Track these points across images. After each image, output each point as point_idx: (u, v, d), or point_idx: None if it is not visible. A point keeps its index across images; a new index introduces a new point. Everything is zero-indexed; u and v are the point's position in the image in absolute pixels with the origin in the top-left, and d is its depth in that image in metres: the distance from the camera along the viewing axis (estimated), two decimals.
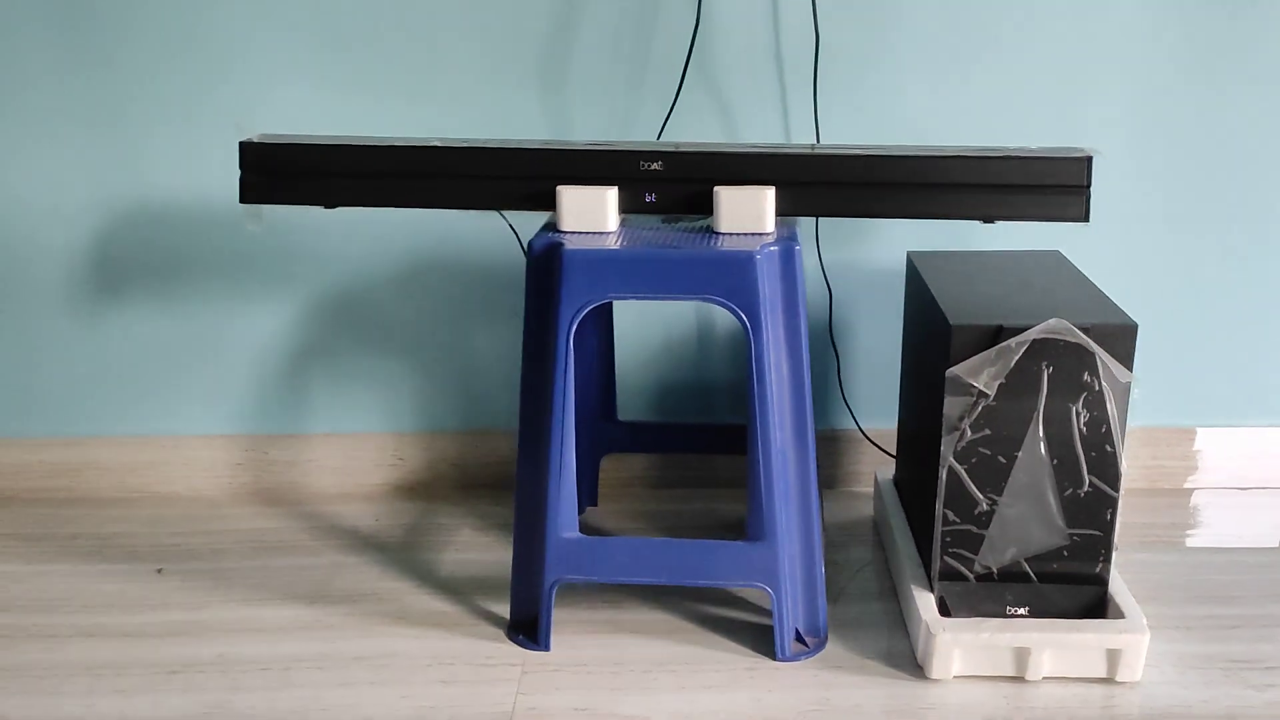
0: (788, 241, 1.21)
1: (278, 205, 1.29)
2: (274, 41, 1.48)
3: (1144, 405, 1.59)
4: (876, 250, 1.56)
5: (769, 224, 1.22)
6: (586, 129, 1.51)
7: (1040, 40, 1.47)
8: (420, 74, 1.49)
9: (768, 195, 1.21)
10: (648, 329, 1.60)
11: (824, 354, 1.58)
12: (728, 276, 1.18)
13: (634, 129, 1.51)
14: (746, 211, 1.22)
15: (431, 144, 1.25)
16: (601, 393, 1.55)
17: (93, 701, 1.19)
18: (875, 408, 1.61)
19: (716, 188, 1.22)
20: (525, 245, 1.33)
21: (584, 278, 1.19)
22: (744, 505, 1.59)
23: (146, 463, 1.64)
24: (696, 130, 1.51)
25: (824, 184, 1.22)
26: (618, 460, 1.64)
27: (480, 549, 1.50)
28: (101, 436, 1.63)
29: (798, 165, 1.21)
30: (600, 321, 1.51)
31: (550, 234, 1.23)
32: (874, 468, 1.62)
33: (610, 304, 1.52)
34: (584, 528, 1.53)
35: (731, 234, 1.22)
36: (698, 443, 1.57)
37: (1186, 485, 1.63)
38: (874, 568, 1.44)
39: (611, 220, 1.23)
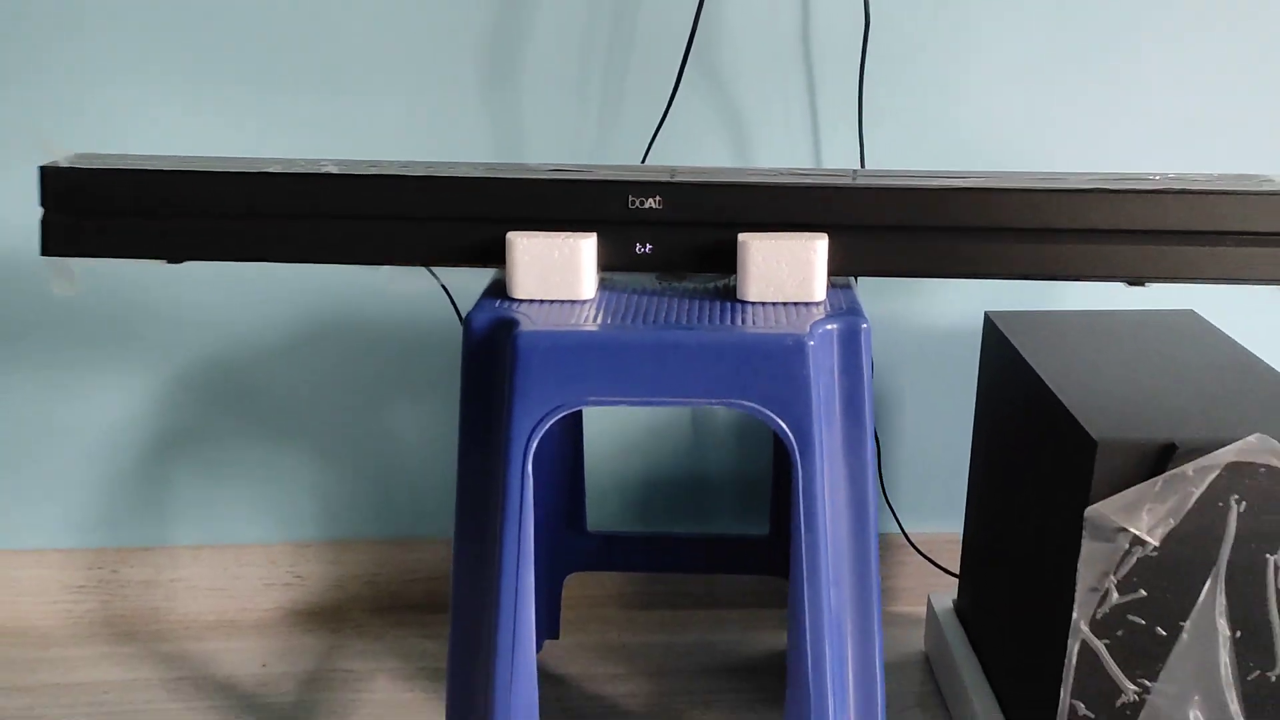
0: (850, 317, 0.83)
1: (98, 260, 0.91)
2: (101, 24, 1.10)
3: None
4: (932, 304, 1.21)
5: (819, 289, 0.85)
6: (546, 146, 1.15)
7: (1176, 36, 1.11)
8: (312, 69, 1.13)
9: (818, 247, 0.84)
10: (626, 411, 1.23)
11: None
12: (766, 372, 0.80)
13: (611, 147, 1.16)
14: (787, 271, 0.85)
15: (324, 170, 0.87)
16: (567, 496, 1.19)
17: None
18: (926, 507, 1.26)
19: (742, 235, 0.85)
20: (462, 318, 0.95)
21: (549, 375, 0.80)
22: (753, 634, 1.24)
23: None
24: (696, 148, 1.16)
25: (902, 230, 0.85)
26: (588, 579, 1.26)
27: (402, 711, 1.11)
28: None
29: (863, 202, 0.85)
30: None
31: (498, 304, 0.85)
32: (922, 584, 1.26)
33: None
34: (540, 671, 1.14)
35: (764, 303, 0.85)
36: (691, 559, 1.22)
37: None
38: None
39: (588, 284, 0.85)
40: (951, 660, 1.10)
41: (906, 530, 1.25)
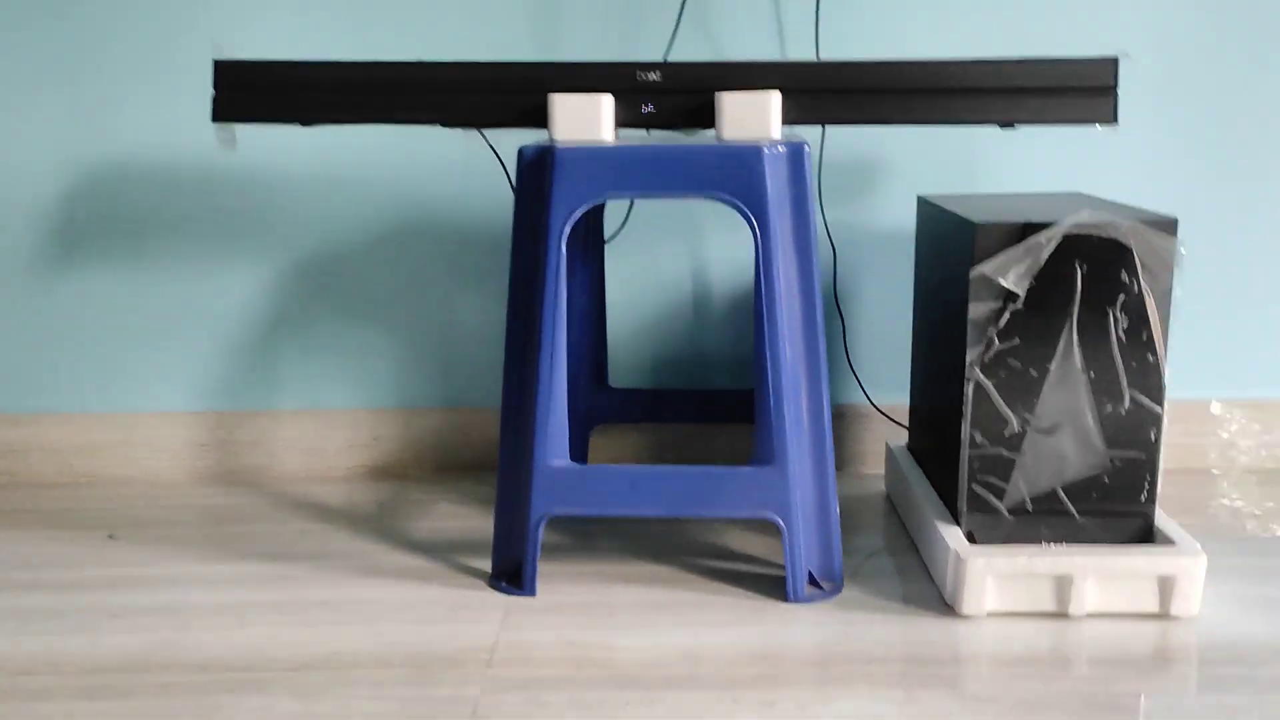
0: (797, 144, 1.13)
1: (252, 125, 1.22)
2: None
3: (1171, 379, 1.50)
4: (884, 209, 1.48)
5: (775, 130, 1.14)
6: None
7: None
8: (413, 6, 1.43)
9: (773, 99, 1.14)
10: (641, 296, 1.51)
11: (829, 320, 1.49)
12: (734, 172, 1.10)
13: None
14: (751, 117, 1.14)
15: (415, 60, 1.18)
16: (592, 357, 1.45)
17: (19, 640, 1.06)
18: (884, 380, 1.52)
19: (719, 93, 1.14)
20: (508, 172, 1.24)
21: (578, 176, 1.11)
22: None
23: (99, 443, 1.52)
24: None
25: (832, 91, 1.15)
26: (609, 433, 1.53)
27: (460, 519, 1.38)
28: (49, 414, 1.52)
29: (805, 72, 1.15)
30: (591, 282, 1.42)
31: (542, 143, 1.14)
32: (884, 445, 1.51)
33: (602, 261, 1.43)
34: None
35: (736, 140, 1.14)
36: (693, 410, 1.47)
37: (1210, 462, 1.52)
38: (889, 534, 1.32)
39: (607, 130, 1.15)
40: (903, 478, 1.35)
41: (872, 399, 1.52)
